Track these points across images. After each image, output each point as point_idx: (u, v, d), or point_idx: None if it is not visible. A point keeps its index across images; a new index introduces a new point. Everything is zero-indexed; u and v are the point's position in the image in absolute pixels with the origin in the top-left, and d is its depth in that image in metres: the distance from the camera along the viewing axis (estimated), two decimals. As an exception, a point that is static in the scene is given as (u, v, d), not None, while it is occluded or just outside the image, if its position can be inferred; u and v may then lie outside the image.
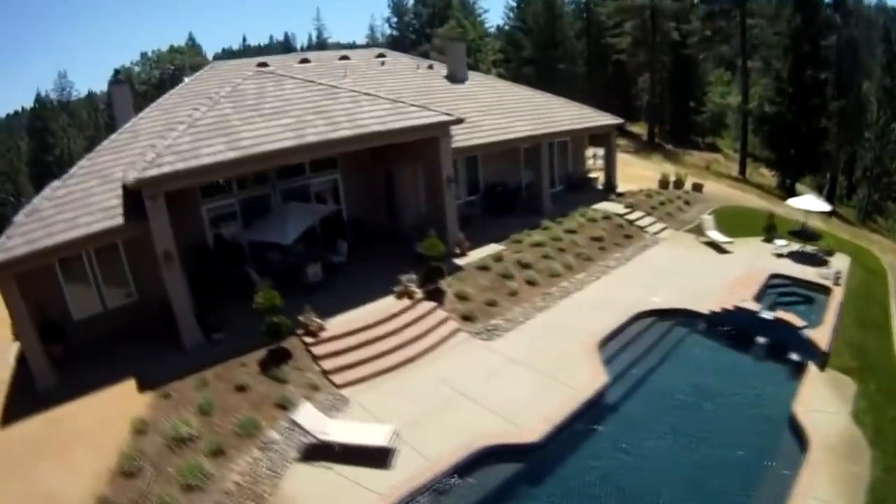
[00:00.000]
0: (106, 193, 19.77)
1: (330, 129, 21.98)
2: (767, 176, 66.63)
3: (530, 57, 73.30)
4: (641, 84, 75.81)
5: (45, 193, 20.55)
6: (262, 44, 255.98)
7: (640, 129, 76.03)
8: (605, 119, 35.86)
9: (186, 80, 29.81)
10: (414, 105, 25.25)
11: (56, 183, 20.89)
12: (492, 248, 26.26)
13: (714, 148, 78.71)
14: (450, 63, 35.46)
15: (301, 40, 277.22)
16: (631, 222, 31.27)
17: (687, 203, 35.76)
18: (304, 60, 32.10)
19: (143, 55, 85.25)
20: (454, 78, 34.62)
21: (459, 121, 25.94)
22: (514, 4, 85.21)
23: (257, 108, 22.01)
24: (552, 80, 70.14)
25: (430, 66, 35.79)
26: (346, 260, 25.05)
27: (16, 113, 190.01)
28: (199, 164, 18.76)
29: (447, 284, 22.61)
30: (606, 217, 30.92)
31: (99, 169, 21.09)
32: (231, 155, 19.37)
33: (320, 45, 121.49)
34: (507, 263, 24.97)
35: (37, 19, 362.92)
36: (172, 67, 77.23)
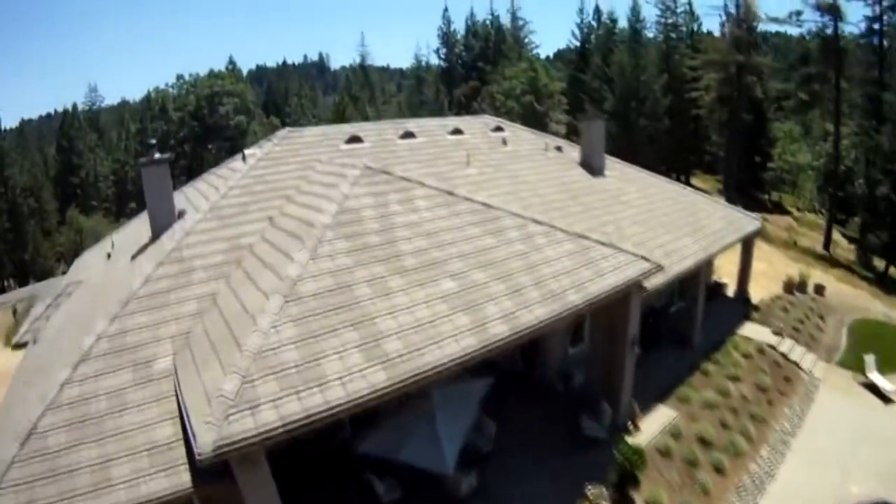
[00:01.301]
0: (147, 406, 11.17)
1: (515, 302, 13.37)
2: (844, 245, 58.95)
3: (612, 110, 64.97)
4: (715, 138, 70.17)
5: (45, 395, 11.74)
6: (296, 62, 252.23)
7: (703, 182, 71.07)
8: (754, 223, 28.75)
9: (252, 152, 21.09)
10: (601, 243, 16.72)
11: (62, 376, 11.96)
12: (663, 415, 20.40)
13: (779, 206, 72.45)
14: (584, 146, 26.89)
15: (336, 60, 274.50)
16: (785, 356, 26.36)
17: (820, 317, 31.29)
18: (408, 135, 23.52)
19: (180, 77, 78.18)
20: (591, 166, 26.11)
21: (660, 267, 17.43)
22: (575, 43, 77.79)
23: (391, 258, 13.30)
24: (633, 135, 62.60)
25: (559, 148, 27.27)
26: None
27: (48, 115, 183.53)
28: (326, 407, 9.88)
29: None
30: (760, 350, 26.13)
31: (133, 345, 12.45)
32: (380, 380, 10.57)
33: (363, 70, 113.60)
34: (687, 441, 19.66)
35: (76, 19, 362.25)
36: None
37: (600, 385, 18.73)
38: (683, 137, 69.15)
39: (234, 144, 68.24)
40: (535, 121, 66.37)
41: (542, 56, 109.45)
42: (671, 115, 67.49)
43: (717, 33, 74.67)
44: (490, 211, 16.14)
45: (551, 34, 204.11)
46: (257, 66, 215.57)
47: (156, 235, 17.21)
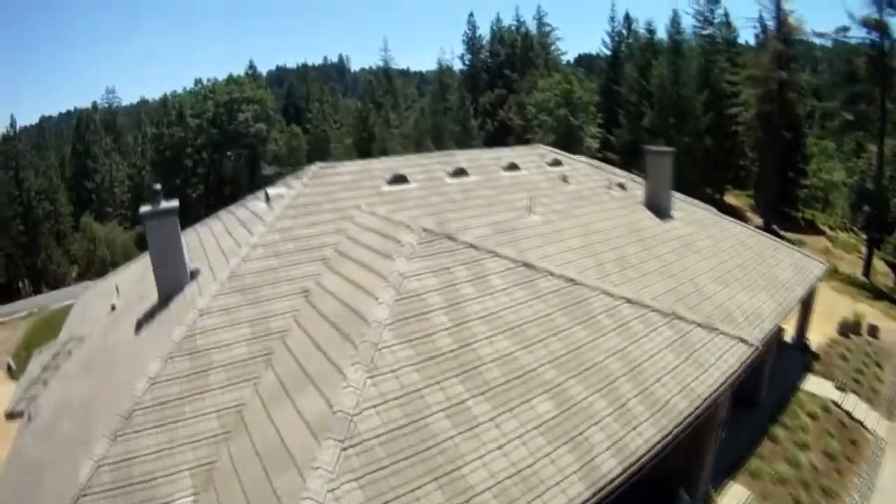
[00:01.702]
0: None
1: (621, 423, 10.56)
2: (881, 270, 55.76)
3: (650, 126, 61.73)
4: (750, 154, 67.03)
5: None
6: (315, 63, 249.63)
7: (736, 198, 69.82)
8: (819, 266, 25.90)
9: (279, 193, 18.09)
10: (697, 324, 13.83)
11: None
12: (736, 496, 18.14)
13: (812, 225, 69.50)
14: (650, 183, 23.74)
15: (356, 62, 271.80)
16: (850, 415, 24.42)
17: (878, 365, 28.78)
18: (460, 172, 20.54)
19: (198, 82, 75.54)
20: (658, 207, 23.06)
21: (756, 349, 14.76)
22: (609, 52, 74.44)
23: (470, 370, 10.30)
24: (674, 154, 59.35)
25: (622, 185, 24.17)
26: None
27: (68, 113, 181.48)
28: None
29: None
30: (825, 409, 24.28)
31: (141, 478, 9.26)
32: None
33: (386, 75, 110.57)
34: (767, 530, 16.85)
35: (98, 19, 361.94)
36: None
37: (678, 471, 15.97)
38: (720, 154, 65.83)
39: (253, 151, 65.59)
40: (568, 134, 63.38)
41: (564, 61, 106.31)
42: (711, 131, 64.31)
43: (753, 45, 71.78)
44: (576, 288, 13.16)
45: (570, 38, 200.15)
46: (277, 67, 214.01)
47: (164, 301, 14.32)
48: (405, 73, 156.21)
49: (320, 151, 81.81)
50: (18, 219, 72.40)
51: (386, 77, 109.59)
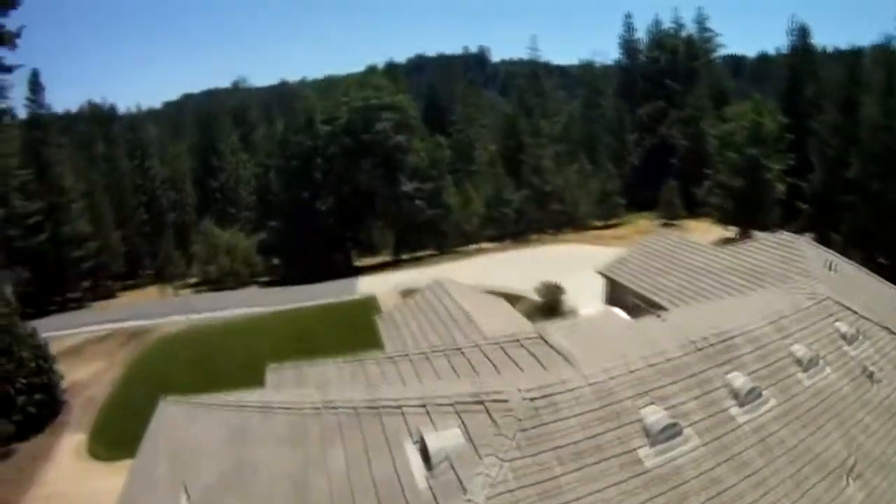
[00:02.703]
0: None
1: None
2: None
3: (855, 176, 49.17)
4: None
5: None
6: (454, 53, 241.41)
7: None
8: None
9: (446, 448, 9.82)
10: None
11: None
12: None
13: None
14: None
15: (497, 54, 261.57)
16: None
17: None
18: (749, 393, 11.52)
19: (330, 81, 69.02)
20: None
21: None
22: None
23: None
24: (878, 209, 46.76)
25: None
26: None
27: (186, 97, 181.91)
28: None
29: None
30: None
31: None
32: None
33: (536, 77, 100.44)
34: None
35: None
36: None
37: None
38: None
39: (391, 162, 58.02)
40: (755, 177, 52.17)
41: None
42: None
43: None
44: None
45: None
46: (417, 56, 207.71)
47: None
48: (548, 68, 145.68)
49: (463, 157, 73.56)
50: (142, 207, 69.44)
51: (535, 79, 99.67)
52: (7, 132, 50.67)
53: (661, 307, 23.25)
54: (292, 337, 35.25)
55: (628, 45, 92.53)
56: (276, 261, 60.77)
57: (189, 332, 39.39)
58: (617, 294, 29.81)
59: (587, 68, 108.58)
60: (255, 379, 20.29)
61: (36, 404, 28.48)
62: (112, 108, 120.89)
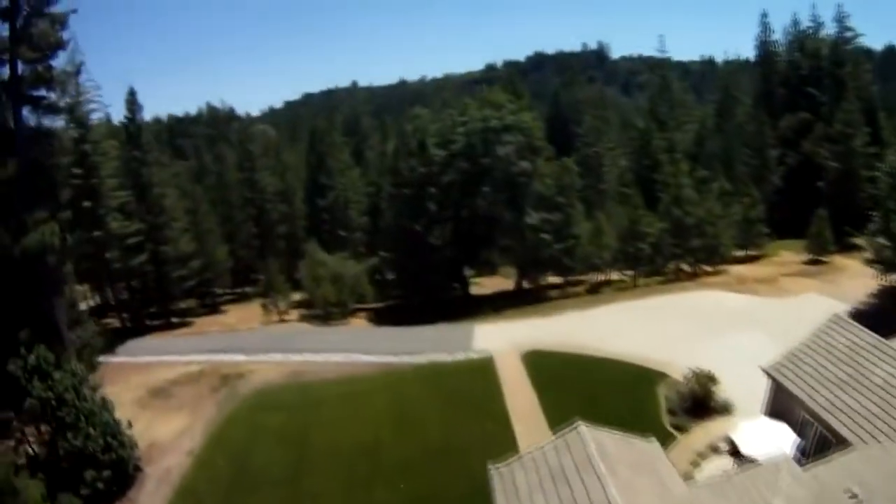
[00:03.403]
0: None
1: None
2: None
3: None
4: None
5: None
6: (574, 50, 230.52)
7: None
8: None
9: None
10: None
11: None
12: None
13: None
14: None
15: (616, 50, 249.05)
16: None
17: None
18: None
19: (444, 107, 62.17)
20: None
21: None
22: None
23: None
24: None
25: None
26: None
27: (306, 96, 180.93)
28: None
29: None
30: None
31: None
32: None
33: (665, 84, 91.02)
34: None
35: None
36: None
37: None
38: None
39: (514, 191, 50.92)
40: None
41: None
42: None
43: None
44: None
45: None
46: (536, 53, 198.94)
47: None
48: (669, 65, 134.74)
49: (591, 175, 65.76)
50: (251, 221, 66.67)
51: (665, 86, 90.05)
52: (102, 148, 48.60)
53: (841, 438, 19.07)
54: (393, 418, 30.20)
55: (765, 48, 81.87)
56: (387, 288, 55.18)
57: (283, 388, 35.23)
58: (783, 402, 23.36)
59: (717, 68, 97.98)
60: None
61: (104, 481, 25.99)
62: (231, 111, 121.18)
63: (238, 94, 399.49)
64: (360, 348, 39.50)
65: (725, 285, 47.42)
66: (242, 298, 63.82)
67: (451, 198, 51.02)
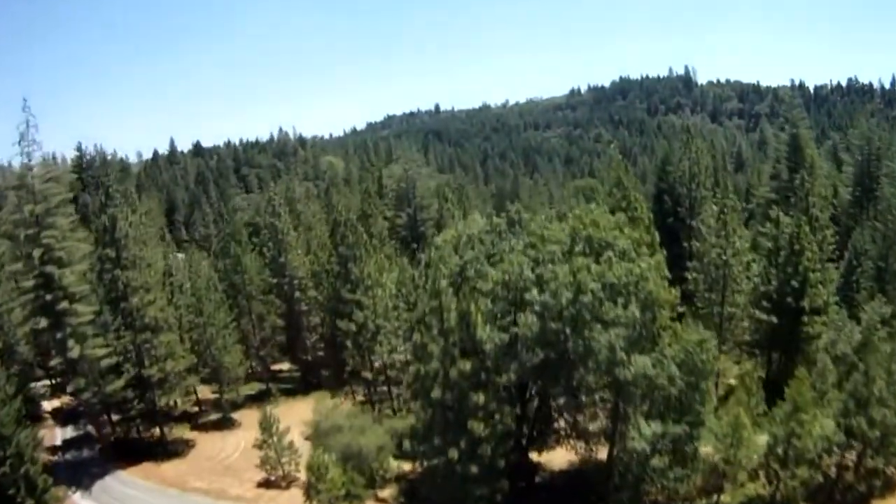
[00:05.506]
0: None
1: None
2: None
3: None
4: None
5: None
6: (660, 75, 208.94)
7: None
8: None
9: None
10: None
11: None
12: None
13: None
14: None
15: (702, 75, 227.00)
16: None
17: None
18: None
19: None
20: None
21: None
22: None
23: None
24: None
25: None
26: None
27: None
28: None
29: None
30: None
31: None
32: None
33: (794, 138, 71.60)
34: None
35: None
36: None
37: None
38: None
39: (618, 391, 32.34)
40: None
41: None
42: None
43: None
44: None
45: None
46: (621, 78, 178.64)
47: None
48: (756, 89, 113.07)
49: (714, 299, 45.83)
50: (277, 310, 53.00)
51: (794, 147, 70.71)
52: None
53: None
54: None
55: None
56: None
57: None
58: None
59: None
60: None
61: None
62: (300, 138, 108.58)
63: (315, 115, 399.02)
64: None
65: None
66: (263, 397, 49.73)
67: (508, 402, 32.87)
